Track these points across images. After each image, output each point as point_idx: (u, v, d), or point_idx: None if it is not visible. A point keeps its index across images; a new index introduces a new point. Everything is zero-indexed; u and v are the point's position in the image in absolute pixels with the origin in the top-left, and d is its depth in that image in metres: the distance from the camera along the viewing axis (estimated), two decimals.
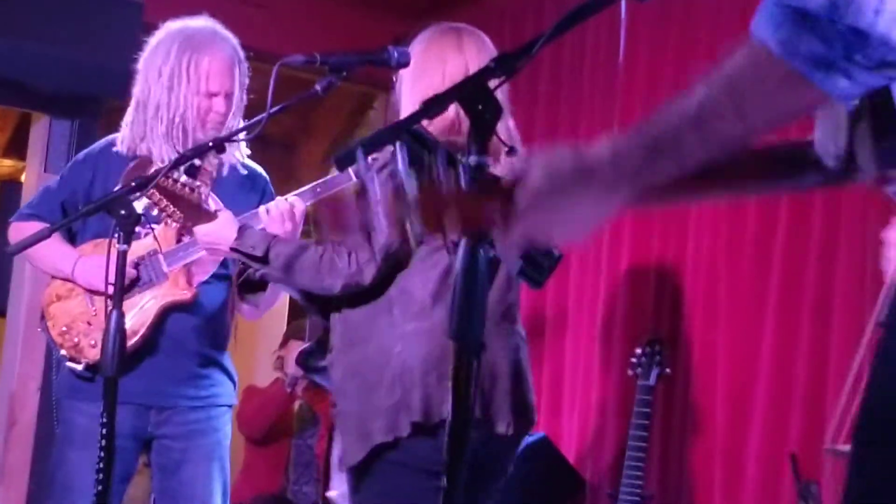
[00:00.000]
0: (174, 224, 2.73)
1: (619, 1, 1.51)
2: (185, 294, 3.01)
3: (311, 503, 5.20)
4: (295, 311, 5.95)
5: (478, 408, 2.43)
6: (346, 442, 2.54)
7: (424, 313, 2.48)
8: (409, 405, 2.43)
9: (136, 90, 3.04)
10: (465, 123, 2.39)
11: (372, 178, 1.39)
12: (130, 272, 2.92)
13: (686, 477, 3.68)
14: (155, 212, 2.68)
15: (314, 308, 2.64)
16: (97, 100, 4.67)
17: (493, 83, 1.43)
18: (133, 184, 2.51)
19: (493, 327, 2.52)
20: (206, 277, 3.06)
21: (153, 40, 3.04)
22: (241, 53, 3.06)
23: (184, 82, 2.96)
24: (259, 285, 2.91)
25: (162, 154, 2.98)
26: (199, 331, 3.07)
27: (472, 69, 2.48)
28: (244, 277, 2.83)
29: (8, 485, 4.66)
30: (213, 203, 2.95)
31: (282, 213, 2.79)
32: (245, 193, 3.10)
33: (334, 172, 2.98)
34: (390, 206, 1.24)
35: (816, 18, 1.10)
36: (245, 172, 3.14)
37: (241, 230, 2.61)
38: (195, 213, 2.65)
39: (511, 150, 1.71)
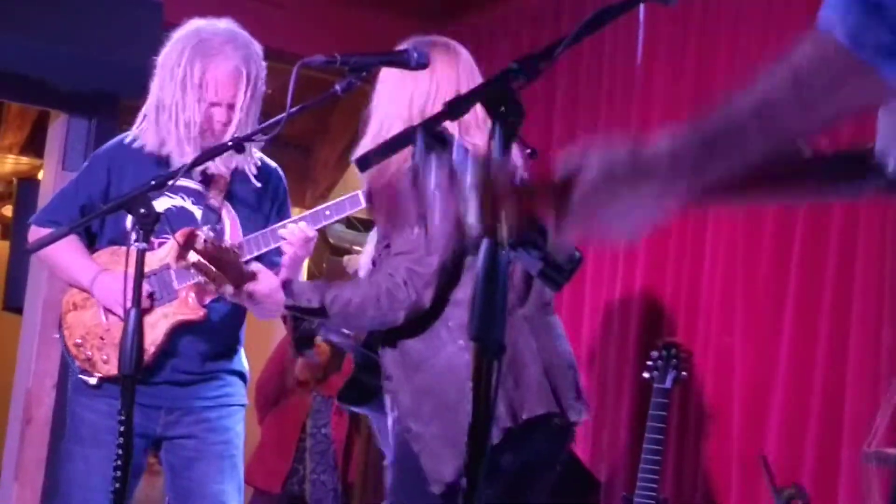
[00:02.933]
0: (219, 288, 2.71)
1: (639, 4, 1.51)
2: (195, 314, 3.00)
3: (330, 490, 5.21)
4: None
5: (552, 404, 2.49)
6: (434, 459, 2.49)
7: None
8: (496, 414, 2.43)
9: (154, 88, 3.02)
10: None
11: (429, 166, 1.39)
12: (145, 287, 2.90)
13: (701, 480, 3.67)
14: (203, 281, 2.68)
15: (369, 346, 2.65)
16: (115, 98, 4.69)
17: (516, 85, 1.43)
18: (153, 182, 2.52)
19: (539, 319, 2.56)
20: (216, 296, 3.06)
21: (173, 37, 3.02)
22: (256, 62, 3.00)
23: (191, 88, 2.95)
24: (313, 337, 2.90)
25: (183, 157, 2.97)
26: (211, 344, 3.06)
27: (444, 84, 2.51)
28: (302, 331, 2.81)
29: (24, 481, 4.68)
30: (227, 215, 2.96)
31: (300, 238, 2.77)
32: (258, 198, 3.10)
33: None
34: (446, 197, 1.23)
35: (886, 7, 1.07)
36: (257, 175, 3.11)
37: (287, 286, 2.59)
38: (238, 275, 2.63)
39: (533, 153, 1.70)
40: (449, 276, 2.51)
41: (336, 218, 2.83)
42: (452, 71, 2.60)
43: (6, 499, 4.76)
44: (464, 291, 2.52)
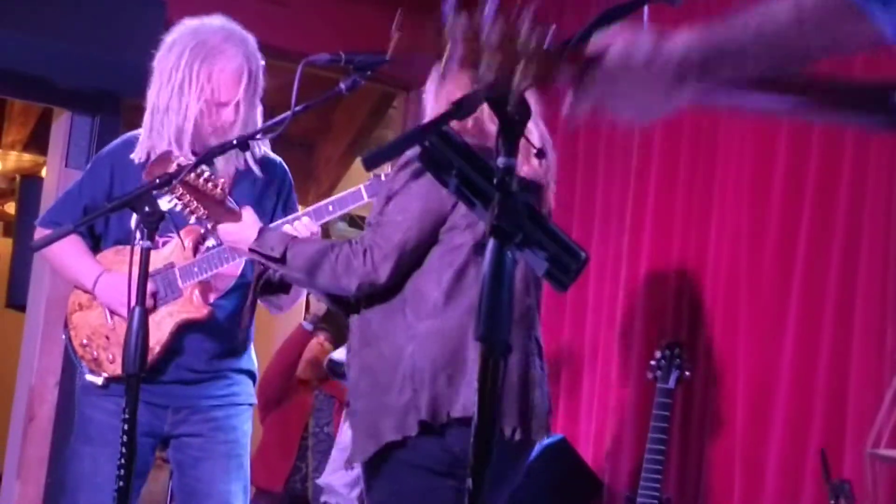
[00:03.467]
0: (198, 219, 2.72)
1: (644, 5, 1.50)
2: (200, 312, 3.00)
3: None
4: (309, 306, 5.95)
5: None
6: (357, 439, 2.55)
7: (437, 313, 2.49)
8: (417, 405, 2.44)
9: (151, 93, 3.01)
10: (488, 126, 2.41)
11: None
12: (149, 287, 2.90)
13: (705, 481, 3.67)
14: (178, 207, 2.67)
15: (340, 309, 2.64)
16: (118, 96, 4.69)
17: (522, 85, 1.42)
18: (157, 180, 2.51)
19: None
20: (221, 294, 3.05)
21: (168, 40, 2.99)
22: (256, 57, 3.00)
23: (194, 90, 2.93)
24: (280, 287, 2.91)
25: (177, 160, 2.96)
26: (217, 342, 3.06)
27: None
28: (264, 279, 2.83)
29: (26, 479, 4.68)
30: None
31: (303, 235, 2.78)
32: (262, 193, 3.09)
33: (353, 174, 2.99)
34: (467, 44, 1.23)
35: None
36: (261, 170, 3.10)
37: (262, 231, 2.61)
38: (219, 211, 2.65)
39: (540, 153, 1.70)
40: (410, 258, 2.50)
41: (339, 213, 2.83)
42: None
43: (8, 496, 4.76)
44: (426, 279, 2.51)
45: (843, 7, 1.20)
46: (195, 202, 2.63)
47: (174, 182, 2.54)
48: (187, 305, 3.00)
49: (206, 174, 2.63)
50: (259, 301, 2.95)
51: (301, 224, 2.78)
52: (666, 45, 1.33)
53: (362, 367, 2.55)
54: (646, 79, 1.33)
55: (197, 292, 2.99)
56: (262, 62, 3.02)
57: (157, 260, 2.96)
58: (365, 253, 2.47)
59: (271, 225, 2.78)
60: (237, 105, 2.95)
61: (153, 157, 2.97)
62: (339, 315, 2.68)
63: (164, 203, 2.67)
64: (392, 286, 2.51)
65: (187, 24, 3.01)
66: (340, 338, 5.49)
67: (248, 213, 2.66)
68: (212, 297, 3.02)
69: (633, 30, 1.35)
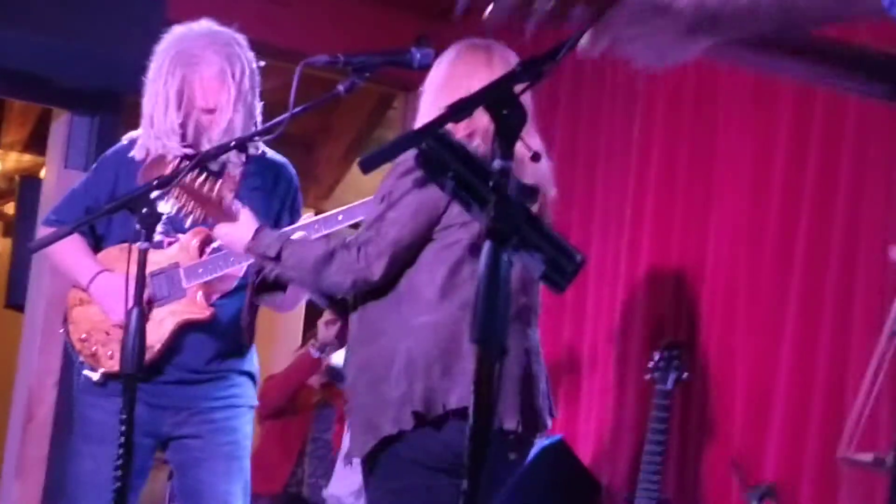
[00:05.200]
0: (195, 221, 2.73)
1: None
2: (202, 313, 3.00)
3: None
4: (311, 306, 5.95)
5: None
6: (354, 435, 2.55)
7: (431, 308, 2.49)
8: (411, 397, 2.45)
9: (143, 102, 3.04)
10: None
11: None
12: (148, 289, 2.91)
13: (703, 482, 3.67)
14: (175, 210, 2.68)
15: (338, 311, 2.65)
16: (118, 96, 4.69)
17: (518, 88, 1.42)
18: (155, 182, 2.52)
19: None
20: (223, 294, 3.06)
21: (156, 50, 3.01)
22: (241, 59, 2.98)
23: (177, 98, 2.94)
24: (276, 285, 2.91)
25: (173, 162, 2.98)
26: (218, 343, 3.06)
27: None
28: (261, 278, 2.84)
29: (24, 479, 4.69)
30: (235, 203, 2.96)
31: None
32: (267, 197, 3.10)
33: (352, 174, 2.99)
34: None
35: None
36: (266, 173, 3.12)
37: (258, 231, 2.62)
38: (217, 212, 2.66)
39: (535, 156, 1.70)
40: (404, 255, 2.50)
41: (347, 223, 2.83)
42: (504, 64, 2.60)
43: (7, 496, 4.76)
44: (420, 275, 2.52)
45: None
46: (193, 204, 2.64)
47: (172, 184, 2.54)
48: (190, 306, 3.00)
49: (203, 176, 2.64)
50: (258, 301, 2.95)
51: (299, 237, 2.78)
52: None
53: (360, 364, 2.56)
54: (662, 24, 1.34)
55: (200, 293, 3.00)
56: (252, 62, 3.01)
57: (163, 259, 2.97)
58: (359, 250, 2.48)
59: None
60: (225, 108, 2.94)
61: (142, 154, 2.99)
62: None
63: (166, 206, 2.68)
64: (387, 283, 2.52)
65: (174, 32, 3.02)
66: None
67: (245, 214, 2.66)
68: (214, 298, 3.03)
69: None
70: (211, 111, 2.95)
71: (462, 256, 2.50)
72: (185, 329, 3.01)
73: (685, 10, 1.33)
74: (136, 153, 3.04)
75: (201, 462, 3.05)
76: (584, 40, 1.36)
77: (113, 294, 2.97)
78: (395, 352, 2.48)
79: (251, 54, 3.03)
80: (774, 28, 1.33)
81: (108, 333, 3.01)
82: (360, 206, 2.82)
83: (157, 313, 2.97)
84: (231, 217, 2.65)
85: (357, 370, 2.57)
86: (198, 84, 2.93)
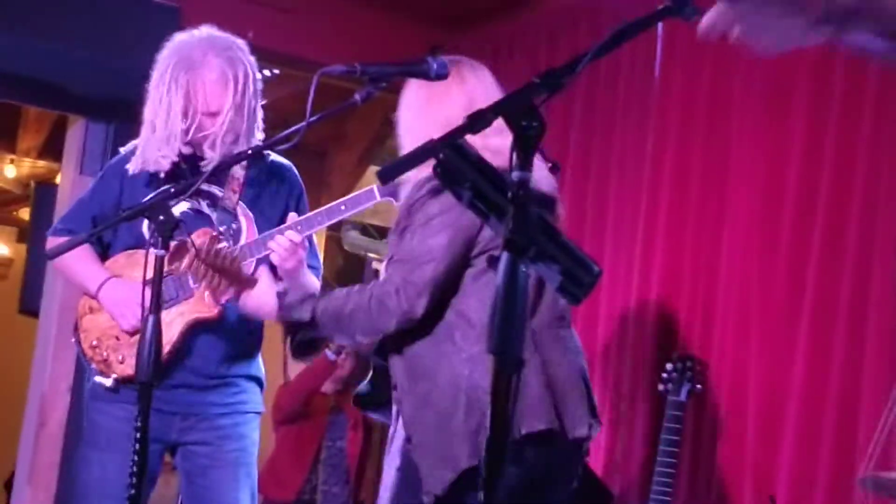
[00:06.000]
0: (213, 291, 2.76)
1: (658, 21, 1.51)
2: (210, 311, 3.00)
3: (341, 503, 5.20)
4: None
5: (552, 421, 2.44)
6: (428, 469, 2.49)
7: (486, 334, 2.47)
8: (487, 427, 2.42)
9: (144, 111, 3.05)
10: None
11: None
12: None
13: (715, 494, 3.66)
14: (192, 281, 2.69)
15: (379, 357, 2.64)
16: (133, 103, 4.68)
17: (538, 99, 1.42)
18: (172, 189, 2.53)
19: (548, 332, 2.54)
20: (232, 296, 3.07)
21: (158, 59, 3.03)
22: (242, 63, 2.99)
23: (180, 103, 2.95)
24: (313, 345, 2.91)
25: (162, 167, 3.00)
26: (226, 346, 3.06)
27: (478, 98, 2.49)
28: (297, 341, 2.82)
29: (37, 484, 4.70)
30: (243, 216, 2.97)
31: (284, 248, 2.76)
32: (273, 199, 3.10)
33: (365, 182, 3.00)
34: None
35: None
36: (271, 176, 3.12)
37: (280, 298, 2.60)
38: (235, 279, 2.66)
39: (555, 167, 1.70)
40: (446, 287, 2.49)
41: (351, 212, 2.83)
42: (482, 86, 2.59)
43: (20, 501, 4.77)
44: (468, 302, 2.50)
45: None
46: (214, 276, 2.65)
47: (192, 189, 2.55)
48: (198, 305, 3.00)
49: (219, 246, 2.65)
50: (297, 360, 2.93)
51: (282, 238, 2.76)
52: None
53: (420, 400, 2.52)
54: (791, 10, 1.32)
55: (208, 293, 3.00)
56: (253, 66, 3.02)
57: (170, 262, 2.97)
58: (398, 292, 2.46)
59: (258, 237, 2.81)
60: (228, 112, 2.95)
61: (145, 170, 2.99)
62: None
63: (176, 209, 2.69)
64: (429, 318, 2.50)
65: (175, 40, 3.04)
66: (364, 361, 5.49)
67: (264, 280, 2.67)
68: (223, 299, 3.03)
69: None
70: (213, 114, 2.96)
71: None
72: (195, 330, 3.01)
73: (811, 4, 1.32)
74: (131, 167, 3.04)
75: (208, 469, 3.06)
76: (706, 20, 1.35)
77: (122, 301, 2.99)
78: (458, 383, 2.45)
79: (252, 58, 3.04)
80: (874, 30, 1.32)
81: (118, 339, 3.02)
82: (364, 194, 2.83)
83: (166, 315, 2.98)
84: (251, 283, 2.65)
85: (416, 405, 2.52)
86: (200, 88, 2.95)
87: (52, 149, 6.42)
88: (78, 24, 4.31)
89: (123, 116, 4.80)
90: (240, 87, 2.97)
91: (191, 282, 3.00)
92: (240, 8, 4.63)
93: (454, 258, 2.48)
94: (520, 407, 2.42)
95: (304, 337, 2.69)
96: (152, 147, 3.00)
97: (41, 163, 7.04)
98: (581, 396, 2.53)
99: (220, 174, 2.97)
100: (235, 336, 3.07)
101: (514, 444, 2.41)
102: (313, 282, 2.93)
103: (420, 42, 4.96)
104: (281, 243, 2.74)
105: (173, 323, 2.98)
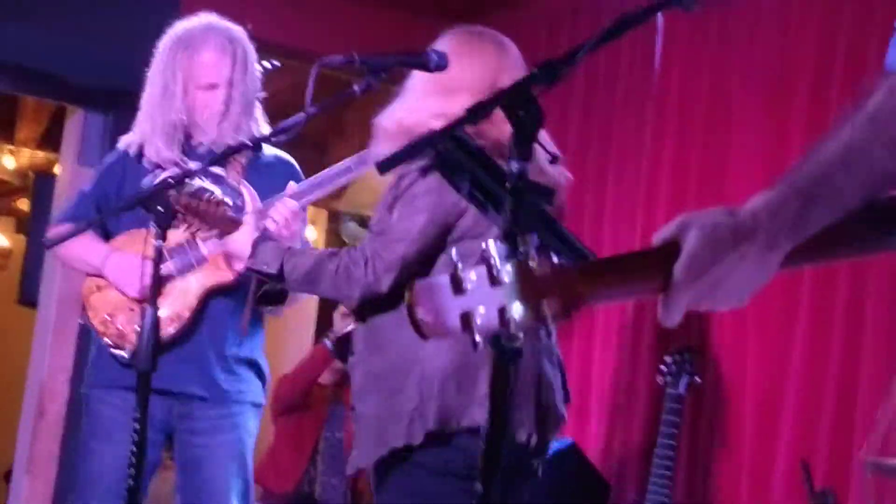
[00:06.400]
0: (204, 239, 2.76)
1: (658, 12, 1.50)
2: (227, 276, 2.97)
3: (340, 494, 5.21)
4: (323, 306, 5.97)
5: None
6: (361, 443, 2.55)
7: None
8: (424, 414, 2.44)
9: (143, 95, 3.08)
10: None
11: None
12: (167, 266, 2.92)
13: (713, 486, 3.67)
14: (183, 229, 2.69)
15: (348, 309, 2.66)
16: (132, 94, 4.68)
17: (536, 90, 1.42)
18: (170, 178, 2.53)
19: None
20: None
21: (158, 47, 3.06)
22: (241, 43, 3.03)
23: (179, 80, 2.97)
24: (277, 296, 2.91)
25: (162, 154, 3.00)
26: (233, 323, 3.06)
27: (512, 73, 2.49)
28: (262, 291, 2.83)
29: (36, 475, 4.70)
30: (247, 192, 2.96)
31: (285, 217, 2.78)
32: (274, 176, 3.10)
33: (365, 175, 3.00)
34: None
35: None
36: (271, 169, 3.13)
37: (254, 246, 2.61)
38: (225, 224, 2.67)
39: (555, 159, 1.70)
40: (416, 268, 2.48)
41: (345, 179, 2.83)
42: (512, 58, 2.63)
43: (18, 491, 4.78)
44: None
45: None
46: (200, 223, 2.65)
47: (188, 179, 2.55)
48: (215, 270, 2.99)
49: (205, 195, 2.64)
50: (261, 311, 2.95)
51: (281, 206, 2.78)
52: (743, 209, 1.23)
53: (370, 372, 2.54)
54: (735, 252, 1.21)
55: (221, 259, 2.97)
56: (251, 51, 3.04)
57: (178, 235, 2.93)
58: (367, 263, 2.46)
59: (255, 208, 2.80)
60: (227, 85, 2.96)
61: (147, 158, 3.00)
62: None
63: (178, 235, 2.72)
64: (398, 293, 2.49)
65: (174, 27, 3.07)
66: None
67: (245, 227, 2.67)
68: (239, 266, 3.02)
69: (690, 217, 1.24)
70: (212, 87, 2.96)
71: None
72: (212, 295, 3.01)
73: (761, 224, 1.21)
74: (121, 145, 3.07)
75: (203, 460, 3.06)
76: (662, 313, 1.24)
77: (127, 270, 2.97)
78: (411, 362, 2.46)
79: (250, 46, 3.06)
80: (856, 198, 1.20)
81: (132, 310, 3.01)
82: (353, 161, 2.83)
83: (183, 282, 2.98)
84: (234, 225, 2.66)
85: (365, 377, 2.56)
86: (198, 62, 2.97)
87: (50, 139, 6.41)
88: (76, 14, 4.31)
89: (122, 107, 4.78)
90: (239, 62, 2.99)
91: (203, 250, 2.99)
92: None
93: (427, 240, 2.48)
94: (462, 399, 2.43)
95: (272, 289, 2.70)
96: (153, 133, 3.00)
97: (40, 153, 7.03)
98: (527, 401, 2.51)
99: (220, 162, 2.97)
100: (237, 316, 3.07)
101: (450, 435, 2.43)
102: None
103: (420, 34, 4.95)
104: (280, 211, 2.76)
105: (190, 289, 2.98)
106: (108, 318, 3.03)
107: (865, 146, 1.18)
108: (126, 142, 3.14)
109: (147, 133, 3.02)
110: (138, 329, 2.95)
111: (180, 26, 3.05)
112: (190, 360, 3.02)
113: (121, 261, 3.01)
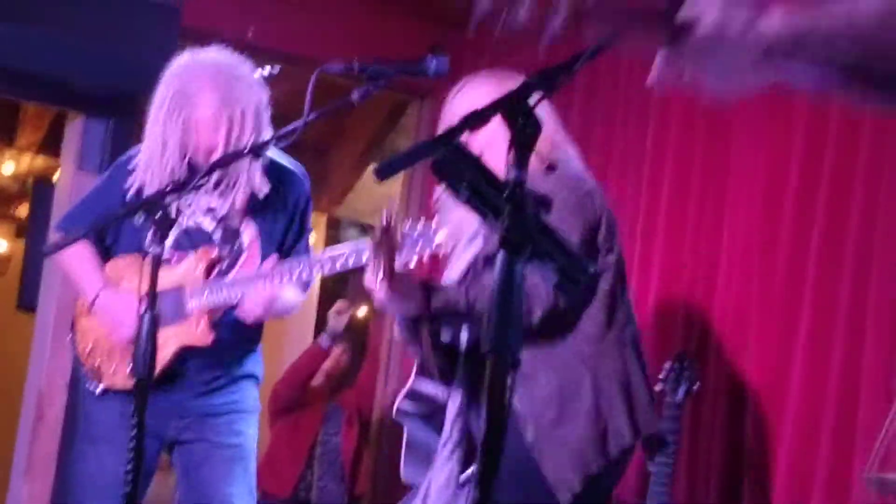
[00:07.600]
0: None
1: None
2: (204, 339, 2.98)
3: (337, 498, 5.21)
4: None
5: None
6: (559, 472, 2.60)
7: (600, 337, 2.61)
8: (618, 431, 2.59)
9: (144, 139, 3.03)
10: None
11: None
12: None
13: (713, 495, 3.66)
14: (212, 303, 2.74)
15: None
16: (132, 100, 4.70)
17: (533, 99, 1.42)
18: (170, 185, 2.53)
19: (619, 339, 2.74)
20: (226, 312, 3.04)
21: (161, 80, 2.98)
22: (239, 100, 2.91)
23: (176, 140, 2.93)
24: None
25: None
26: (221, 358, 3.06)
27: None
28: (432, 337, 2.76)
29: (34, 478, 4.70)
30: (247, 236, 2.95)
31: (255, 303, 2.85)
32: (275, 210, 3.08)
33: (366, 180, 3.00)
34: None
35: None
36: (275, 182, 3.07)
37: (431, 289, 2.59)
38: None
39: (550, 167, 1.69)
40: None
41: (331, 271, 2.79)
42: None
43: (16, 495, 4.78)
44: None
45: None
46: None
47: (188, 186, 2.55)
48: (192, 331, 2.98)
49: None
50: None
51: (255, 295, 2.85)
52: (761, 20, 1.30)
53: (542, 398, 2.61)
54: (737, 52, 1.31)
55: (203, 321, 2.97)
56: (255, 96, 2.95)
57: (167, 279, 2.90)
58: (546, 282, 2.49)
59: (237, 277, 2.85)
60: (219, 151, 2.89)
61: (144, 192, 2.97)
62: (358, 330, 2.68)
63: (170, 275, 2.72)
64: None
65: (179, 62, 2.98)
66: (359, 351, 5.50)
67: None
68: (217, 316, 3.01)
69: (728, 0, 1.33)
70: (210, 151, 2.92)
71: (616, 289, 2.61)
72: (186, 351, 3.00)
73: (765, 36, 1.30)
74: (129, 183, 3.03)
75: (204, 466, 3.06)
76: (655, 72, 1.34)
77: (116, 313, 2.97)
78: (579, 388, 2.58)
79: (256, 86, 2.97)
80: (855, 57, 1.29)
81: (111, 349, 3.01)
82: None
83: (159, 336, 2.96)
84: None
85: (541, 401, 2.61)
86: (194, 127, 2.91)
87: (50, 145, 6.42)
88: (77, 19, 4.31)
89: (122, 113, 4.80)
90: (235, 127, 2.89)
91: (187, 305, 2.98)
92: (240, 6, 4.63)
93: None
94: (638, 412, 2.66)
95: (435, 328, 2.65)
96: (151, 174, 2.98)
97: (40, 159, 7.04)
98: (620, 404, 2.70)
99: (221, 173, 2.94)
100: (230, 348, 3.06)
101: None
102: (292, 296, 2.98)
103: (420, 40, 4.96)
104: (253, 297, 2.85)
105: (166, 344, 2.93)
106: (90, 351, 3.03)
107: (873, 13, 1.25)
108: (133, 152, 3.12)
109: (146, 182, 3.00)
110: (113, 371, 2.96)
111: (180, 69, 2.96)
112: (181, 391, 3.04)
113: (111, 301, 3.00)
